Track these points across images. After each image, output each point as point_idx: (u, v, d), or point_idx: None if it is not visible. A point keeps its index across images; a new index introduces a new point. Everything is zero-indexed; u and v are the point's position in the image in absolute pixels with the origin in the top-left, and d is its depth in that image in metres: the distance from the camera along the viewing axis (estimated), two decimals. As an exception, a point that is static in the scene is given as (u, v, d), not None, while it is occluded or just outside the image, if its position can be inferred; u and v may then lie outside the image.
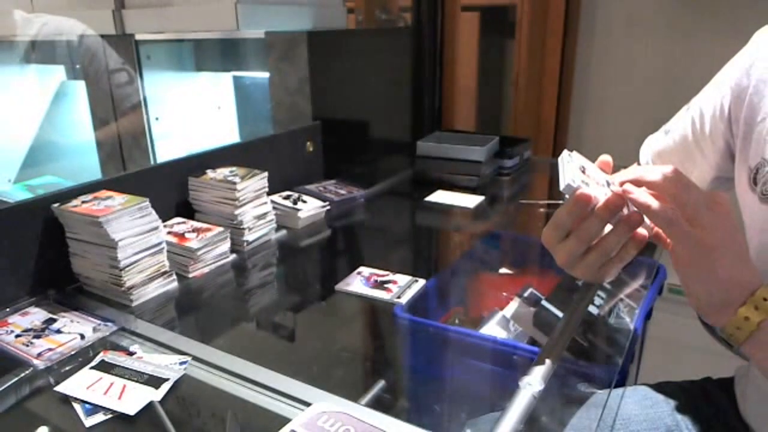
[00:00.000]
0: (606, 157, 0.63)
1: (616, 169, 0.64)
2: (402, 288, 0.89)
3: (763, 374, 0.56)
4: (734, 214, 0.56)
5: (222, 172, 1.07)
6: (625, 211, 0.56)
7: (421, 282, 0.91)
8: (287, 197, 1.19)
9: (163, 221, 0.94)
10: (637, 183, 0.56)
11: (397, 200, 1.44)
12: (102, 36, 1.58)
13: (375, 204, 1.34)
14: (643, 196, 0.55)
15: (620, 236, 0.57)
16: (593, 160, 0.64)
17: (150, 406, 0.62)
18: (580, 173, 0.58)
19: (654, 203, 0.54)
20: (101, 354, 0.71)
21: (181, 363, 0.69)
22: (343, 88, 1.47)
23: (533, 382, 0.55)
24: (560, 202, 0.58)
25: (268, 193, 1.09)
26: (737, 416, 0.71)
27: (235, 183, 1.01)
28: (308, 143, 1.33)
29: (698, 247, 0.53)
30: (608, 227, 0.57)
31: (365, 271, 0.95)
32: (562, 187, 0.57)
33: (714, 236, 0.53)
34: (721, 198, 0.55)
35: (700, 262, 0.54)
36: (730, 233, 0.54)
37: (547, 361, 0.58)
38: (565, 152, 0.59)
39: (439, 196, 1.34)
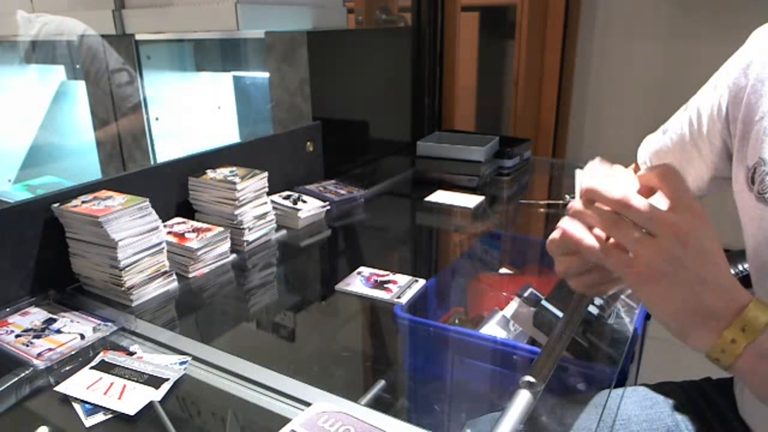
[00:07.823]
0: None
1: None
2: (402, 288, 0.89)
3: (753, 393, 0.51)
4: (702, 233, 0.49)
5: (222, 172, 1.07)
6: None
7: (421, 282, 0.91)
8: (287, 197, 1.19)
9: (163, 221, 0.94)
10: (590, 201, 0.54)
11: (397, 200, 1.44)
12: (102, 36, 1.59)
13: (375, 204, 1.34)
14: (578, 231, 0.53)
15: None
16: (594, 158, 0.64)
17: (150, 406, 0.62)
18: None
19: (586, 239, 0.52)
20: (101, 354, 0.71)
21: (181, 363, 0.69)
22: (343, 88, 1.47)
23: (533, 382, 0.55)
24: (560, 202, 0.58)
25: (268, 193, 1.09)
26: (736, 416, 0.72)
27: (235, 183, 1.01)
28: (308, 143, 1.33)
29: (638, 281, 0.50)
30: None
31: (365, 271, 0.95)
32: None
33: (656, 267, 0.48)
34: (670, 220, 0.49)
35: (648, 295, 0.50)
36: (679, 261, 0.48)
37: (547, 361, 0.58)
38: (590, 163, 0.58)
39: (439, 196, 1.34)
